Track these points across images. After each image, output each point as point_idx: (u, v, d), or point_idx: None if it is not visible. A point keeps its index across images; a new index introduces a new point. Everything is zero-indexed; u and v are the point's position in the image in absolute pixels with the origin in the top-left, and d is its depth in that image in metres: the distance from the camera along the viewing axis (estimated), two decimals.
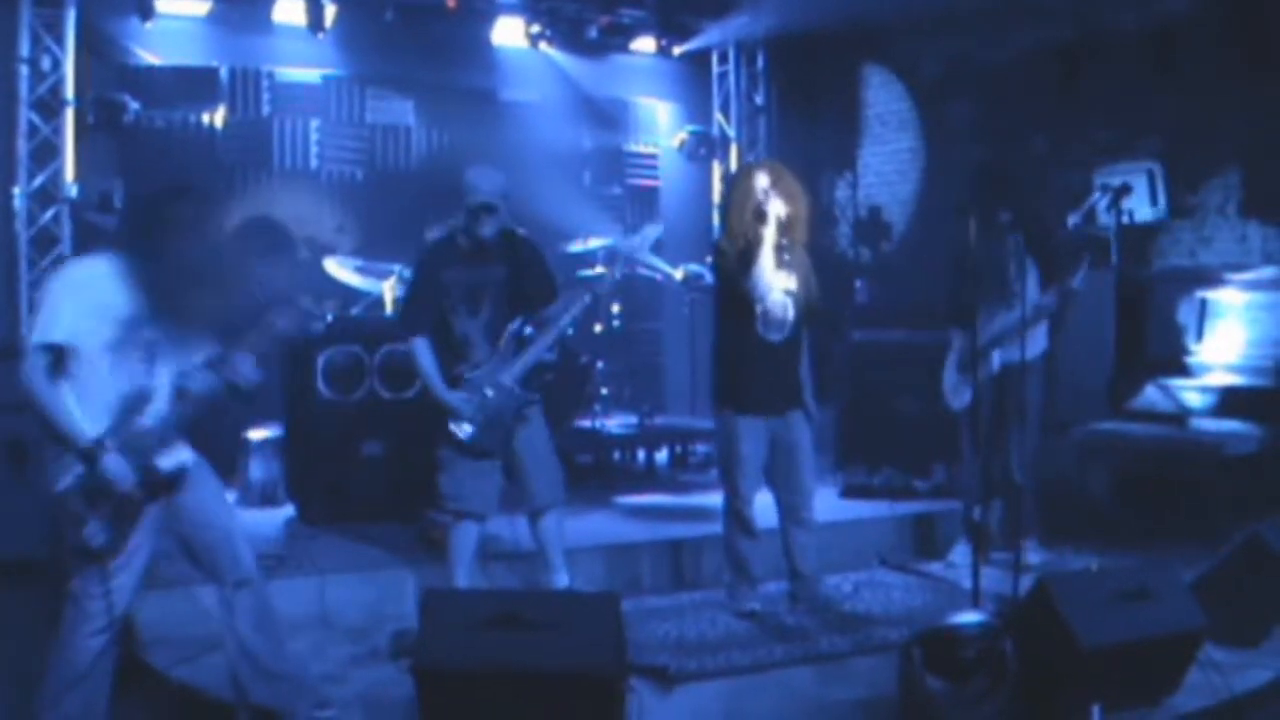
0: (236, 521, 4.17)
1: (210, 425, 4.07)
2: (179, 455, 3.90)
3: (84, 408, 3.71)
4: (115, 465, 3.69)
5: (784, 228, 5.33)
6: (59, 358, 3.71)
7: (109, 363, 3.76)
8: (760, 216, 5.29)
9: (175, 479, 3.89)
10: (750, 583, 5.62)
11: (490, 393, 5.21)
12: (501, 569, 5.86)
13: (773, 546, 5.66)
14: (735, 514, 5.57)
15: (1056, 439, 6.95)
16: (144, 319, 3.79)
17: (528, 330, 5.33)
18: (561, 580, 5.42)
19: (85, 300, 3.74)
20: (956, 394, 6.34)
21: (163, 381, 3.86)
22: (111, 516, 3.73)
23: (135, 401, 3.80)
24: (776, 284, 5.33)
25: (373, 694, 4.61)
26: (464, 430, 5.19)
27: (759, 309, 5.32)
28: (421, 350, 5.22)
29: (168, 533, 4.01)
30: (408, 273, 7.72)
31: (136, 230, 3.93)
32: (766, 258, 5.27)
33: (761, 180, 5.35)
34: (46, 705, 3.80)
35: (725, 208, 5.48)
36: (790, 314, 5.38)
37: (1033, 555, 6.26)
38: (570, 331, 6.35)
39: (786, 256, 5.37)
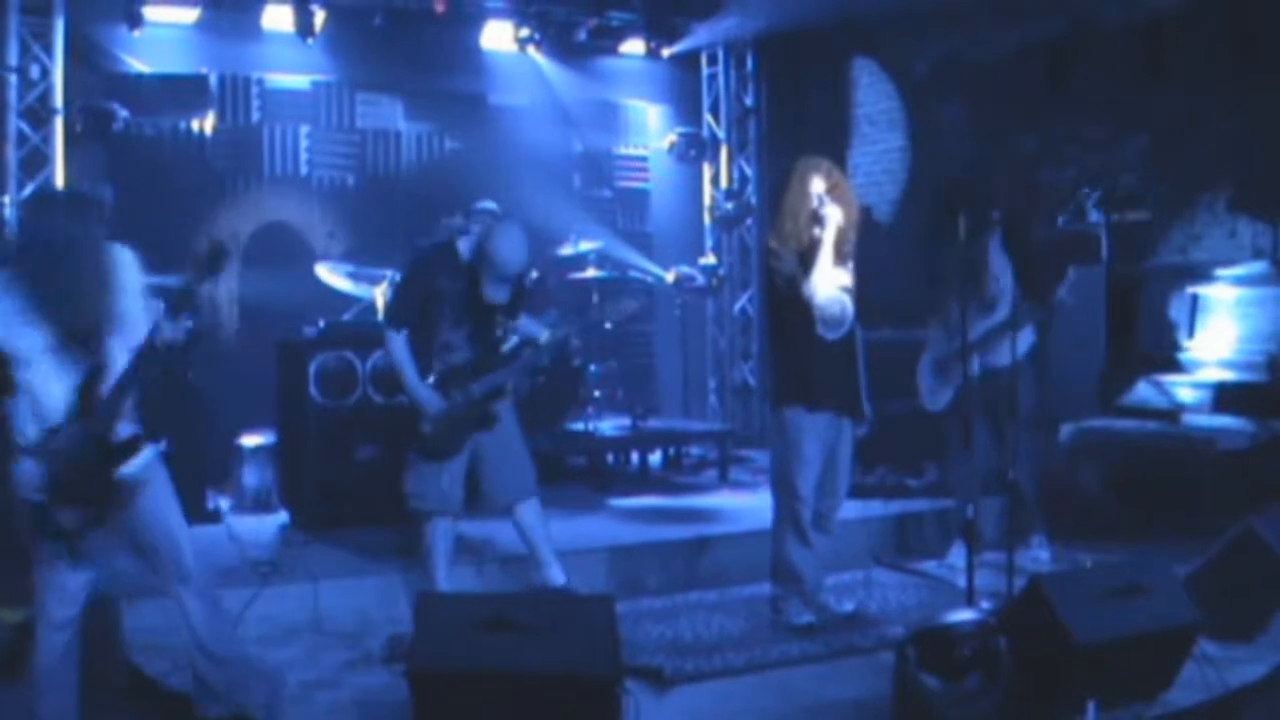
0: (185, 528, 4.14)
1: (201, 432, 4.06)
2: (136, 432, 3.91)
3: (37, 410, 3.74)
4: (22, 472, 3.73)
5: (841, 230, 5.27)
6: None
7: (50, 364, 3.78)
8: (817, 220, 5.25)
9: (128, 449, 3.87)
10: (803, 595, 5.43)
11: (460, 398, 5.28)
12: (497, 572, 5.85)
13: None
14: (792, 520, 5.37)
15: (1048, 436, 6.96)
16: (51, 317, 3.79)
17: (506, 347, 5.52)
18: (556, 577, 5.36)
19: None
20: (933, 396, 6.36)
21: (112, 356, 3.84)
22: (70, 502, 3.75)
23: (89, 380, 3.80)
24: (834, 281, 5.27)
25: (367, 699, 4.60)
26: (425, 427, 5.27)
27: (815, 310, 5.25)
28: (401, 345, 5.26)
29: (126, 542, 4.01)
30: (399, 278, 7.74)
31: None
32: (825, 259, 5.22)
33: (817, 184, 5.29)
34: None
35: (775, 207, 5.41)
36: (848, 311, 5.33)
37: (1041, 551, 6.26)
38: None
39: (845, 253, 5.31)
